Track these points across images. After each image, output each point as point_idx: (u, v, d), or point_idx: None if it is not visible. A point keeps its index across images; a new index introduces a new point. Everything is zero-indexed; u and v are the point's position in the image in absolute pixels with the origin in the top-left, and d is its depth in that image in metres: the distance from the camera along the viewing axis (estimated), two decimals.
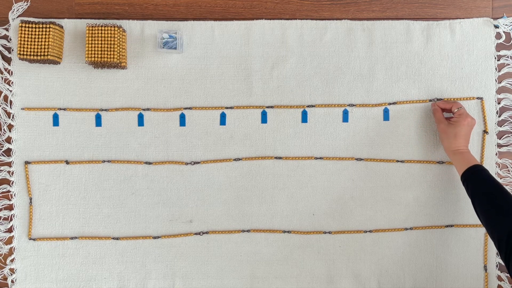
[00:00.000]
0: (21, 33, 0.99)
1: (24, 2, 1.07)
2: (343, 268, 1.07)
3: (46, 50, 0.99)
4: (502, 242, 0.83)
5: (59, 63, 1.05)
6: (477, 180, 0.93)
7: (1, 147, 1.06)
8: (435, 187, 1.07)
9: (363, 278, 1.07)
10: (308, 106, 1.07)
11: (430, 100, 1.07)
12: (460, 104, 1.02)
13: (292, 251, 1.07)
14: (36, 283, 1.06)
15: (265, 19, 1.08)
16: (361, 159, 1.07)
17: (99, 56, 0.99)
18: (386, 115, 1.07)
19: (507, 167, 1.08)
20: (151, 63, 1.07)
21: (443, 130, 1.01)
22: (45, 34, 0.99)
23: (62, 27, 1.04)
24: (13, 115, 1.06)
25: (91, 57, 0.99)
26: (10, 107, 1.06)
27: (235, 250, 1.07)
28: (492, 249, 1.07)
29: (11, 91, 1.06)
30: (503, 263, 1.06)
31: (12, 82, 1.06)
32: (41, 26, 0.99)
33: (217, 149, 1.07)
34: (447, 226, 1.07)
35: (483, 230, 1.07)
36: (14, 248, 1.06)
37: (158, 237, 1.06)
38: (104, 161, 1.06)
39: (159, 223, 1.07)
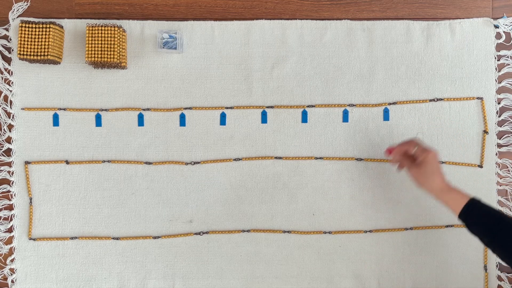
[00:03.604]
0: (21, 33, 0.99)
1: (24, 2, 1.07)
2: (343, 268, 1.07)
3: (46, 50, 0.99)
4: None
5: (59, 63, 1.05)
6: (480, 216, 0.87)
7: (1, 147, 1.06)
8: None
9: (363, 278, 1.07)
10: (308, 106, 1.07)
11: (430, 100, 1.07)
12: (413, 142, 0.95)
13: (292, 251, 1.07)
14: (36, 283, 1.06)
15: (265, 19, 1.08)
16: (361, 159, 1.07)
17: (99, 56, 0.99)
18: (386, 115, 1.07)
19: (507, 167, 1.07)
20: (151, 63, 1.07)
21: (417, 173, 0.93)
22: (45, 34, 0.99)
23: (62, 27, 1.04)
24: (13, 115, 1.06)
25: (91, 57, 0.99)
26: (10, 107, 1.06)
27: (235, 250, 1.07)
28: None
29: (11, 91, 1.06)
30: (503, 263, 1.06)
31: (12, 82, 1.06)
32: (41, 26, 0.99)
33: (217, 149, 1.07)
34: (447, 226, 1.07)
35: None
36: (14, 248, 1.06)
37: (158, 237, 1.06)
38: (104, 161, 1.06)
39: (159, 223, 1.07)
